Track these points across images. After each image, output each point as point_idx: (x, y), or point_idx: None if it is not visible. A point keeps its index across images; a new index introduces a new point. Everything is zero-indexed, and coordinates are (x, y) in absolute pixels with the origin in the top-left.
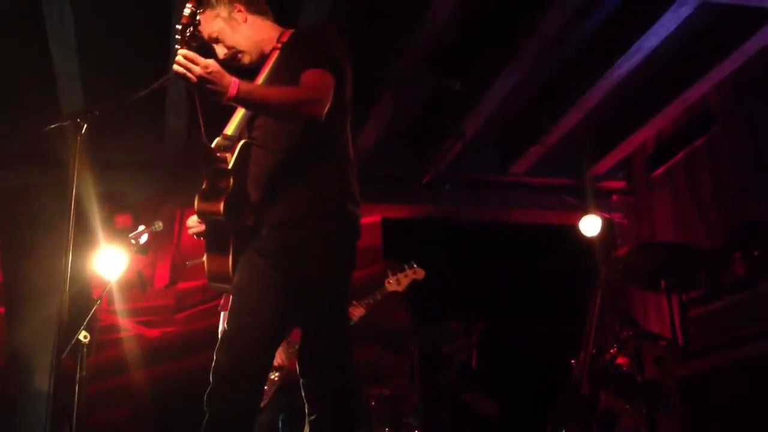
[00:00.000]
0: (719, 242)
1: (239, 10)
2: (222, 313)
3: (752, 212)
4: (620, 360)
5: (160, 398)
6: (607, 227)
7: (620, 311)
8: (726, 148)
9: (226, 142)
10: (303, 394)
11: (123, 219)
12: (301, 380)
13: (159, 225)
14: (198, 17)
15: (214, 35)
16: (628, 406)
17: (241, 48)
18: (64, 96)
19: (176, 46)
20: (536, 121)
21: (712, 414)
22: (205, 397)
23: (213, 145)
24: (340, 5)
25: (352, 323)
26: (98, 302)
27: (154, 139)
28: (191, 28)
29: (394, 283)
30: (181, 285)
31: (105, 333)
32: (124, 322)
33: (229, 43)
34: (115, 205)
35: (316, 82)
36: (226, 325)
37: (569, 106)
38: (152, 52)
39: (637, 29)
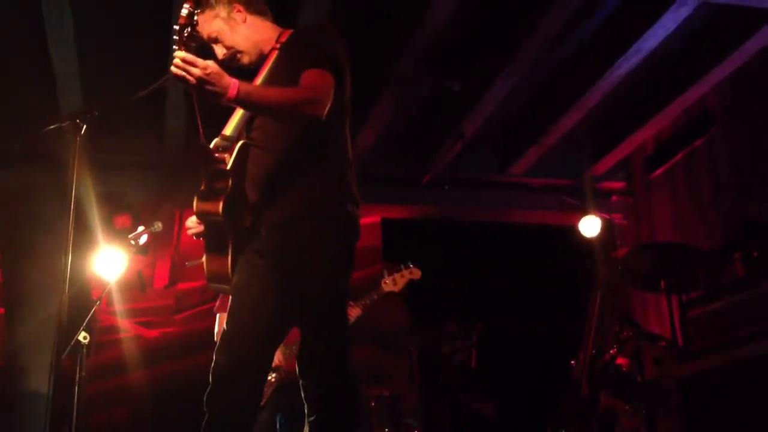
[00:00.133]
0: (718, 243)
1: (238, 11)
2: (218, 315)
3: (751, 213)
4: (620, 360)
5: (159, 399)
6: (607, 228)
7: (620, 312)
8: (725, 149)
9: (225, 143)
10: (302, 394)
11: (122, 219)
12: (301, 381)
13: (158, 225)
14: (196, 18)
15: (213, 35)
16: (627, 407)
17: (240, 48)
18: (63, 96)
19: (174, 47)
20: (536, 122)
21: (712, 414)
22: (205, 397)
23: (211, 146)
24: (340, 5)
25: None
26: (98, 303)
27: (154, 140)
28: (189, 29)
29: (390, 284)
30: (181, 286)
31: (104, 334)
32: (124, 323)
33: (228, 43)
34: (114, 205)
35: (316, 82)
36: (225, 326)
37: (569, 107)
38: (152, 53)
39: (637, 30)
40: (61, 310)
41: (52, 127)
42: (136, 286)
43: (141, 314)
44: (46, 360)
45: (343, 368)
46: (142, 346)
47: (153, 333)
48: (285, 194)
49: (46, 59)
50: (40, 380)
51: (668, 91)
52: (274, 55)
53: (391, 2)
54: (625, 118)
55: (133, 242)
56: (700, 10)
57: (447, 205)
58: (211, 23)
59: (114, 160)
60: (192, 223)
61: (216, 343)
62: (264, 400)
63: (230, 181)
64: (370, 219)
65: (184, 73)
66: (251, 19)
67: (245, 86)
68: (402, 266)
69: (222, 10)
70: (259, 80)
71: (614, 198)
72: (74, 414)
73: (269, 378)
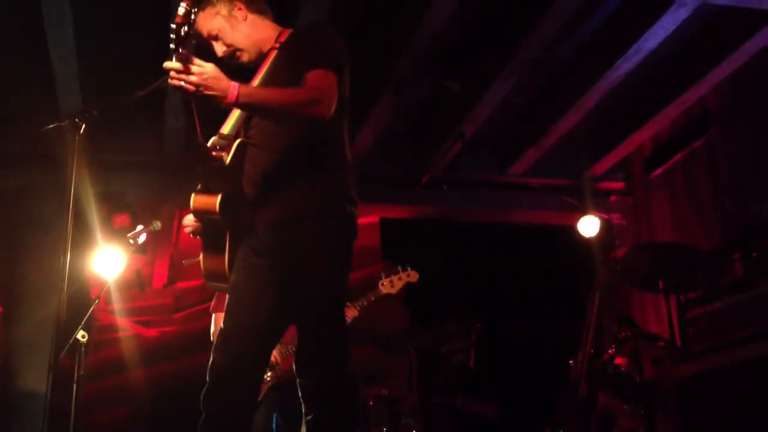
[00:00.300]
0: (717, 243)
1: (239, 9)
2: (213, 315)
3: (750, 214)
4: (618, 360)
5: (157, 398)
6: (606, 228)
7: (619, 312)
8: (724, 150)
9: (223, 141)
10: (300, 393)
11: (121, 219)
12: (298, 380)
13: (157, 225)
14: (193, 16)
15: (214, 33)
16: (626, 407)
17: (240, 46)
18: (63, 96)
19: (171, 46)
20: (535, 122)
21: (710, 415)
22: (202, 396)
23: (209, 144)
24: (340, 5)
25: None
26: (96, 302)
27: (153, 139)
28: (186, 27)
29: (387, 285)
30: (180, 285)
31: (103, 332)
32: (122, 322)
33: (228, 41)
34: (113, 204)
35: (319, 82)
36: (223, 325)
37: (568, 107)
38: (152, 52)
39: (637, 30)
40: (60, 309)
41: (51, 126)
42: (135, 285)
43: (140, 313)
44: (44, 359)
45: (343, 368)
46: (140, 345)
47: (152, 332)
48: (283, 194)
49: (46, 59)
50: (38, 379)
51: (668, 91)
52: (274, 54)
53: (391, 2)
54: (625, 119)
55: (132, 241)
56: (699, 11)
57: (446, 205)
58: (211, 21)
59: (113, 159)
60: (189, 221)
61: (212, 342)
62: (260, 399)
63: (227, 180)
64: (369, 219)
65: (181, 83)
66: (252, 17)
67: (245, 89)
68: (400, 268)
69: (223, 8)
70: (257, 79)
71: (613, 198)
72: (72, 413)
73: (266, 377)
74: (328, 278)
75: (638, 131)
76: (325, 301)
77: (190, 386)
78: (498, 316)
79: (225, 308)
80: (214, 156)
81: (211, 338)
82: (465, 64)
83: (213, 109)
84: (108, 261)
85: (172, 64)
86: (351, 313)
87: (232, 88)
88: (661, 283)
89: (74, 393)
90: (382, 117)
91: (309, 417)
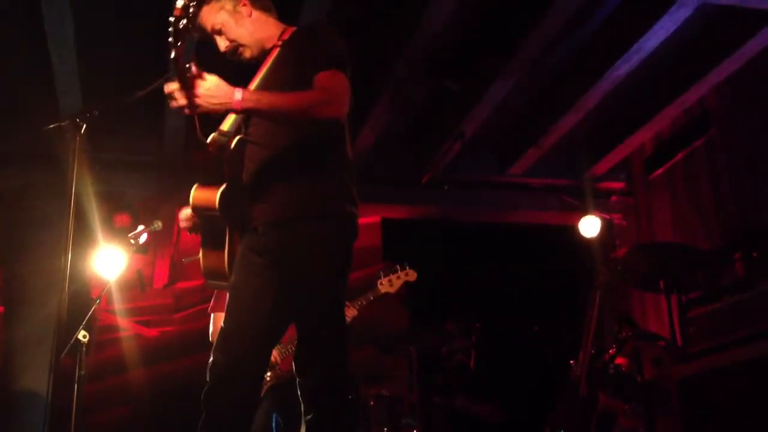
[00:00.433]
0: (718, 243)
1: (244, 4)
2: (212, 315)
3: (751, 214)
4: (619, 360)
5: (158, 398)
6: (606, 228)
7: (619, 312)
8: (724, 150)
9: (222, 138)
10: (299, 393)
11: (122, 218)
12: (298, 380)
13: (158, 224)
14: (191, 10)
15: (217, 27)
16: (626, 407)
17: (243, 42)
18: (63, 96)
19: (170, 39)
20: (536, 122)
21: (711, 415)
22: (202, 396)
23: (209, 141)
24: (340, 5)
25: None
26: (97, 302)
27: (154, 139)
28: (185, 21)
29: (386, 284)
30: (180, 285)
31: (104, 332)
32: (123, 322)
33: (232, 36)
34: (114, 204)
35: (329, 83)
36: (223, 324)
37: (568, 107)
38: (152, 52)
39: (637, 30)
40: (61, 309)
41: (51, 126)
42: (136, 285)
43: (140, 313)
44: (45, 358)
45: (343, 368)
46: (141, 345)
47: (152, 332)
48: (283, 192)
49: (46, 59)
50: (39, 379)
51: (668, 91)
52: (276, 51)
53: (391, 2)
54: (625, 119)
55: (132, 241)
56: (699, 11)
57: (447, 205)
58: (215, 15)
59: (114, 159)
60: (185, 216)
61: (212, 343)
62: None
63: (227, 177)
64: (369, 219)
65: (186, 102)
66: (256, 14)
67: (251, 93)
68: (398, 267)
69: (227, 3)
70: (259, 76)
71: (614, 198)
72: (74, 413)
73: (265, 377)
74: (329, 278)
75: (639, 131)
76: (325, 302)
77: (191, 386)
78: (498, 316)
79: (225, 308)
80: (213, 152)
81: (210, 338)
82: (465, 65)
83: None
84: (109, 261)
85: (173, 85)
86: (350, 312)
87: (237, 93)
88: (661, 283)
89: (75, 393)
90: (382, 117)
91: (308, 417)
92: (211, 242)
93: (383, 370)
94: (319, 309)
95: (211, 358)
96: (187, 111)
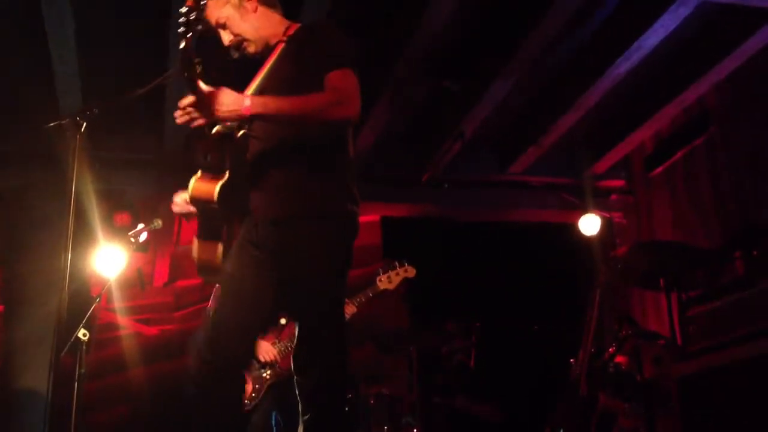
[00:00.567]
0: (717, 242)
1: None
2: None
3: (751, 212)
4: (619, 359)
5: (158, 396)
6: (606, 226)
7: (619, 310)
8: (724, 148)
9: (226, 131)
10: (298, 393)
11: (122, 217)
12: (297, 379)
13: (158, 223)
14: (203, 2)
15: (222, 21)
16: (626, 406)
17: (248, 36)
18: (63, 96)
19: (180, 30)
20: (536, 121)
21: (711, 414)
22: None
23: (213, 132)
24: (340, 5)
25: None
26: (97, 300)
27: (154, 138)
28: (196, 12)
29: (385, 281)
30: (180, 283)
31: (104, 331)
32: (123, 320)
33: (237, 30)
34: (114, 203)
35: (339, 83)
36: (213, 313)
37: (568, 106)
38: (152, 52)
39: (637, 29)
40: (61, 308)
41: (51, 125)
42: (136, 284)
43: (140, 311)
44: (45, 358)
45: (342, 368)
46: (141, 344)
47: (152, 330)
48: (285, 190)
49: (46, 59)
50: (39, 377)
51: (668, 90)
52: (281, 47)
53: (391, 2)
54: (625, 117)
55: (132, 239)
56: (699, 9)
57: (447, 203)
58: (221, 9)
59: (114, 157)
60: (180, 200)
61: None
62: (259, 397)
63: (228, 169)
64: (369, 217)
65: (199, 114)
66: (262, 9)
67: (258, 98)
68: (397, 264)
69: None
70: (263, 72)
71: (614, 197)
72: (74, 411)
73: (264, 375)
74: (329, 278)
75: (638, 130)
76: (325, 301)
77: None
78: (498, 315)
79: (216, 294)
80: (215, 145)
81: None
82: (465, 65)
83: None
84: (109, 259)
85: (186, 100)
86: (349, 309)
87: (246, 100)
88: (661, 281)
89: (75, 391)
90: (382, 117)
91: (306, 417)
92: (207, 234)
93: (383, 369)
94: (319, 309)
95: (200, 354)
96: (200, 122)
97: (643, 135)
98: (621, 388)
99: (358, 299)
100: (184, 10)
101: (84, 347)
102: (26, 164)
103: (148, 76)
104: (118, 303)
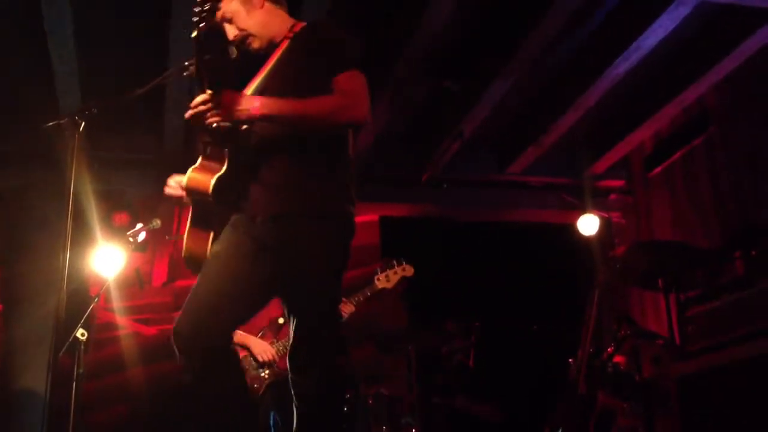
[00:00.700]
0: (717, 241)
1: None
2: None
3: (750, 212)
4: (617, 359)
5: (157, 396)
6: (605, 226)
7: (618, 310)
8: (724, 148)
9: (227, 125)
10: (293, 391)
11: (121, 217)
12: (292, 377)
13: (157, 223)
14: None
15: (228, 15)
16: (625, 406)
17: (253, 32)
18: (62, 96)
19: (194, 19)
20: (535, 121)
21: (710, 413)
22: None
23: (213, 126)
24: (340, 5)
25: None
26: (96, 300)
27: (153, 138)
28: (209, 4)
29: (383, 280)
30: (179, 283)
31: (103, 331)
32: (122, 320)
33: (242, 25)
34: (113, 203)
35: (348, 85)
36: (196, 292)
37: (568, 106)
38: (152, 52)
39: (636, 29)
40: (60, 307)
41: (50, 124)
42: (135, 283)
43: (139, 311)
44: (44, 357)
45: (342, 368)
46: (140, 344)
47: (151, 330)
48: (286, 186)
49: (46, 59)
50: (37, 377)
51: (667, 90)
52: (285, 44)
53: (391, 2)
54: (624, 117)
55: (131, 239)
56: (699, 9)
57: (446, 203)
58: (228, 3)
59: (113, 157)
60: (174, 183)
61: None
62: (258, 397)
63: (227, 162)
64: (368, 217)
65: (213, 113)
66: (268, 6)
67: (267, 100)
68: (395, 263)
69: None
70: (267, 69)
71: (613, 197)
72: (72, 411)
73: (263, 375)
74: (328, 278)
75: (638, 130)
76: (325, 302)
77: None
78: (498, 315)
79: (203, 272)
80: (215, 138)
81: None
82: (465, 65)
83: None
84: (107, 259)
85: (198, 99)
86: (347, 308)
87: (255, 101)
88: (660, 281)
89: (74, 391)
90: (381, 117)
91: (300, 412)
92: (199, 224)
93: (383, 369)
94: (320, 309)
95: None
96: (212, 123)
97: (643, 135)
98: (620, 387)
99: (356, 298)
100: None
101: (82, 347)
102: (26, 164)
103: (147, 76)
104: (116, 303)
